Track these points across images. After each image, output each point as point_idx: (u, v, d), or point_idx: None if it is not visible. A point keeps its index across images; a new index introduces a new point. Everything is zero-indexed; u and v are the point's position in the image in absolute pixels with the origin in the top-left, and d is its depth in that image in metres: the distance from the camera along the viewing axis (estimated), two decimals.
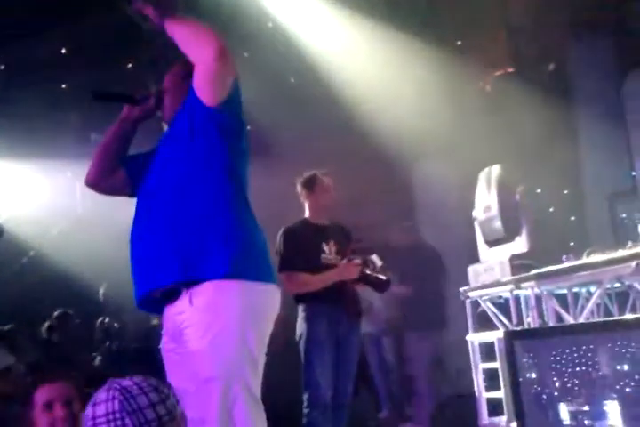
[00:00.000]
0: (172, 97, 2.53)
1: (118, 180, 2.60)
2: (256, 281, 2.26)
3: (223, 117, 2.36)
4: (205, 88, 2.34)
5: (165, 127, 2.61)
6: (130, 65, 7.39)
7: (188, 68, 2.52)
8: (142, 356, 5.86)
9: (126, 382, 2.15)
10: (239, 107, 2.44)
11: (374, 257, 4.19)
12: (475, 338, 4.65)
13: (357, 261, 4.16)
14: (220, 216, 2.29)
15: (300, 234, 4.26)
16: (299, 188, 4.43)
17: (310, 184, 4.40)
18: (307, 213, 4.40)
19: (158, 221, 2.34)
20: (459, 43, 7.46)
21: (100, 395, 2.14)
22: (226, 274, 2.21)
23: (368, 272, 4.15)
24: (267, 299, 2.31)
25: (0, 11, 6.31)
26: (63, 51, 7.77)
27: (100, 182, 2.61)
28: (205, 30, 2.37)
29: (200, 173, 2.34)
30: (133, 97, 2.59)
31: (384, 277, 4.17)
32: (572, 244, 5.79)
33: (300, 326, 4.13)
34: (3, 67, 7.24)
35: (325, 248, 4.21)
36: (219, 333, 2.19)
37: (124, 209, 2.65)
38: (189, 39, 2.38)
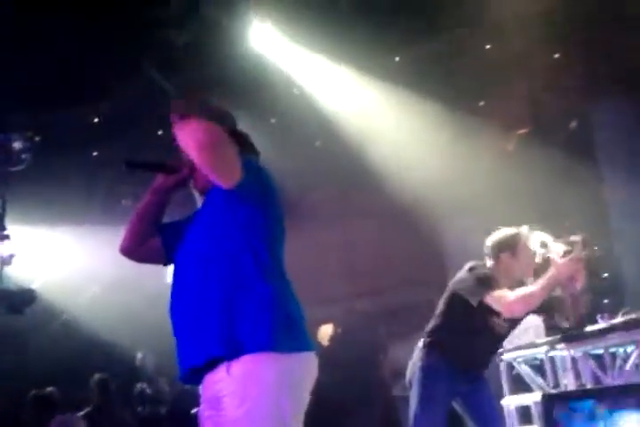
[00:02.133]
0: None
1: (153, 248, 2.60)
2: (292, 352, 2.28)
3: (248, 193, 2.37)
4: (212, 177, 2.34)
5: (196, 195, 2.62)
6: (160, 132, 7.57)
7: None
8: (175, 421, 5.85)
9: None
10: (261, 177, 2.45)
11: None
12: (511, 402, 4.57)
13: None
14: (258, 289, 2.32)
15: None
16: (491, 250, 3.81)
17: (512, 245, 3.77)
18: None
19: (197, 295, 2.36)
20: (480, 104, 7.57)
21: None
22: (264, 347, 2.24)
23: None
24: (303, 368, 2.32)
25: (35, 83, 6.55)
26: (95, 120, 8.00)
27: (135, 251, 2.62)
28: (195, 126, 2.37)
29: (237, 245, 2.37)
30: (167, 166, 2.56)
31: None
32: (605, 301, 5.73)
33: None
34: (38, 138, 7.43)
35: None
36: (254, 403, 2.20)
37: (154, 274, 2.66)
38: (184, 141, 2.39)
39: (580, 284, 3.71)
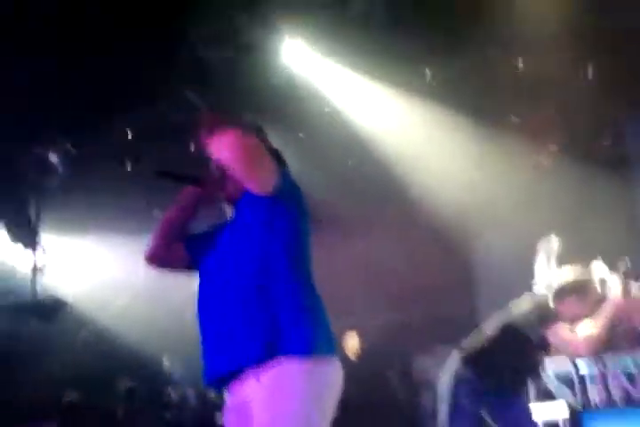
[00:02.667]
0: (234, 177, 2.53)
1: (177, 257, 2.65)
2: (320, 360, 2.29)
3: (283, 199, 2.41)
4: (250, 184, 2.39)
5: (226, 207, 2.67)
6: (193, 148, 7.65)
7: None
8: None
9: None
10: (295, 188, 2.50)
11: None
12: (537, 412, 4.46)
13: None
14: (288, 300, 2.34)
15: None
16: (558, 292, 3.79)
17: (581, 290, 3.79)
18: None
19: (229, 305, 2.38)
20: (513, 120, 7.54)
21: None
22: (293, 355, 2.26)
23: None
24: (332, 372, 2.34)
25: (69, 98, 6.67)
26: (129, 135, 8.12)
27: (160, 259, 2.67)
28: (230, 137, 2.42)
29: (273, 254, 2.39)
30: (197, 178, 2.60)
31: None
32: None
33: None
34: (74, 151, 7.58)
35: None
36: (282, 409, 2.21)
37: (182, 284, 2.70)
38: (220, 148, 2.45)
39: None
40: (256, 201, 2.42)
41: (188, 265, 2.64)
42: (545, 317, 3.64)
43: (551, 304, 3.71)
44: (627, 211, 6.70)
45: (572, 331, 3.61)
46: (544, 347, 3.71)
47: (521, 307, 3.72)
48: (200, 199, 2.66)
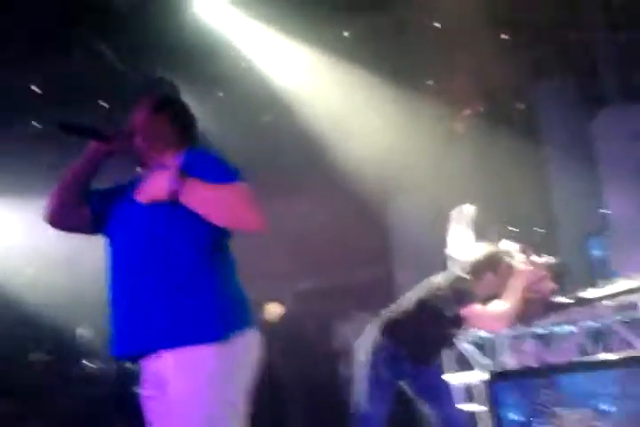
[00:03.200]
0: (144, 136, 2.50)
1: (80, 217, 2.53)
2: (233, 335, 2.27)
3: None
4: (248, 230, 2.35)
5: (139, 161, 2.56)
6: (104, 104, 7.38)
7: (156, 106, 2.56)
8: (117, 401, 5.79)
9: None
10: None
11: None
12: (453, 379, 4.62)
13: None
14: (202, 279, 2.30)
15: None
16: (472, 267, 3.89)
17: (495, 265, 3.91)
18: None
19: (142, 283, 2.32)
20: (429, 82, 7.58)
21: None
22: (205, 339, 2.23)
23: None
24: (245, 348, 2.33)
25: None
26: (37, 90, 7.75)
27: (61, 219, 2.54)
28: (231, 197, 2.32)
29: (181, 236, 2.34)
30: (103, 133, 2.48)
31: None
32: None
33: None
34: None
35: None
36: (194, 384, 2.21)
37: (98, 248, 2.59)
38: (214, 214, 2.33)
39: (547, 288, 3.93)
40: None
41: (92, 225, 2.54)
42: (461, 297, 3.74)
43: (466, 284, 3.80)
44: (538, 179, 6.89)
45: (484, 308, 3.73)
46: (459, 322, 3.84)
47: (438, 286, 3.82)
48: (105, 156, 2.52)
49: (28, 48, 6.68)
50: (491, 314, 3.73)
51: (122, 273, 2.38)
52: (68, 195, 2.50)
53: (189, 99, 7.82)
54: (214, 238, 2.37)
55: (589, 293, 4.02)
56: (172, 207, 2.31)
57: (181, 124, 2.60)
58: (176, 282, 2.28)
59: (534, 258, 3.97)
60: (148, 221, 2.37)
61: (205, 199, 2.28)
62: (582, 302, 3.94)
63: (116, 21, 6.67)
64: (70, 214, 2.52)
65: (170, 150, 2.51)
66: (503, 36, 7.16)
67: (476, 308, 3.74)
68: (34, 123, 8.07)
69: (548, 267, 4.00)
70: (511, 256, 3.91)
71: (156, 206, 2.35)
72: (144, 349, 2.30)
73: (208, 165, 2.36)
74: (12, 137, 8.08)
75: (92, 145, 2.51)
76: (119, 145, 2.50)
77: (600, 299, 3.90)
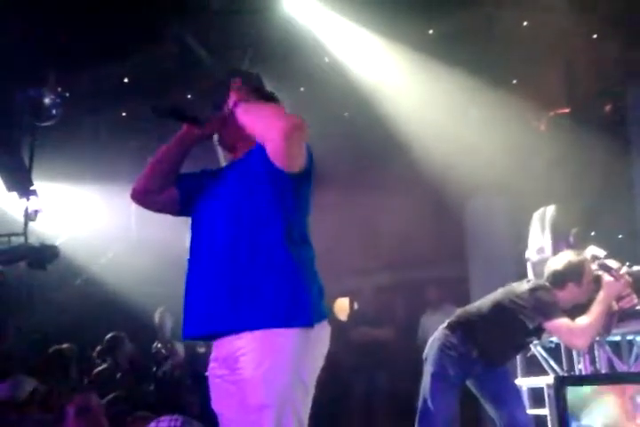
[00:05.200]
0: (236, 125, 2.46)
1: (168, 198, 2.56)
2: (310, 324, 2.30)
3: (301, 175, 2.39)
4: (278, 162, 2.34)
5: (220, 149, 2.62)
6: (189, 96, 7.55)
7: (251, 85, 2.58)
8: (189, 384, 5.94)
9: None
10: (311, 159, 2.46)
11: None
12: (523, 383, 4.58)
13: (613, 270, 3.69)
14: (283, 261, 2.32)
15: None
16: (556, 277, 3.75)
17: (579, 274, 3.74)
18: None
19: (219, 263, 2.35)
20: (514, 82, 7.46)
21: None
22: (283, 323, 2.26)
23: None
24: (319, 338, 2.36)
25: (65, 41, 6.55)
26: (125, 80, 8.00)
27: (148, 197, 2.57)
28: (272, 110, 2.43)
29: (272, 215, 2.37)
30: (197, 117, 2.49)
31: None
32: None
33: None
34: (68, 94, 7.47)
35: None
36: (274, 362, 2.23)
37: (178, 234, 2.64)
38: (256, 123, 2.40)
39: (631, 302, 3.83)
40: (268, 162, 2.35)
41: (178, 207, 2.57)
42: (543, 308, 3.62)
43: (549, 295, 3.69)
44: (624, 183, 6.69)
45: (569, 323, 3.60)
46: (539, 333, 3.76)
47: (520, 294, 3.70)
48: (196, 140, 2.56)
49: (120, 39, 6.88)
50: (575, 331, 3.59)
51: (206, 254, 2.40)
52: (157, 174, 2.53)
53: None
54: (297, 226, 2.40)
55: None
56: (255, 196, 2.36)
57: None
58: (267, 264, 2.31)
59: (618, 267, 3.82)
60: (233, 206, 2.40)
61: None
62: None
63: (207, 17, 6.83)
64: (157, 193, 2.55)
65: (248, 139, 2.49)
66: (594, 36, 6.99)
67: (560, 322, 3.60)
68: (123, 114, 8.35)
69: (634, 276, 3.87)
70: (599, 263, 3.77)
71: (240, 192, 2.40)
72: (211, 330, 2.33)
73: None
74: (99, 125, 8.38)
75: (185, 128, 2.54)
76: (211, 129, 2.54)
77: None
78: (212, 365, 2.41)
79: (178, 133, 2.56)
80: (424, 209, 7.64)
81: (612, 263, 3.80)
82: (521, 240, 4.92)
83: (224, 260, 2.34)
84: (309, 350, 2.30)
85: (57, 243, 6.94)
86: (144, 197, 2.57)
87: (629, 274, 3.86)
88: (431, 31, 7.14)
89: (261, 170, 2.37)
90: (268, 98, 2.62)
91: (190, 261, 2.46)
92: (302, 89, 7.79)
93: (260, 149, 2.38)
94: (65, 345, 5.94)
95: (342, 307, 8.87)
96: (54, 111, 7.24)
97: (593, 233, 5.41)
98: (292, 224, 2.38)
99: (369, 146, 8.04)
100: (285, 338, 2.25)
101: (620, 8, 6.44)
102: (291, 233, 2.37)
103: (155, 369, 6.23)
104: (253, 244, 2.33)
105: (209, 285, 2.34)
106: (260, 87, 2.64)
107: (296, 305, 2.29)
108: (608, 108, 7.24)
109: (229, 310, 2.29)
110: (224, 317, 2.29)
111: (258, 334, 2.25)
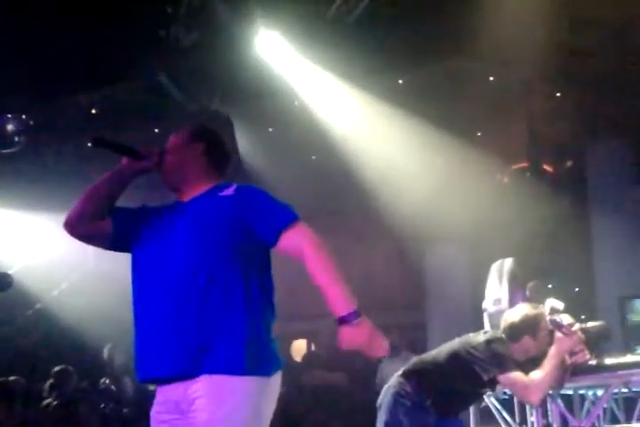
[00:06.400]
0: (175, 159, 2.51)
1: (100, 228, 2.49)
2: (270, 375, 2.31)
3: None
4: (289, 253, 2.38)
5: (166, 185, 2.57)
6: (156, 130, 7.56)
7: (194, 134, 2.58)
8: (136, 422, 5.79)
9: None
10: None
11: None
12: None
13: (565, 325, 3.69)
14: (240, 315, 2.31)
15: None
16: (512, 330, 3.73)
17: (534, 328, 3.73)
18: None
19: (179, 307, 2.31)
20: (479, 134, 7.62)
21: None
22: (244, 371, 2.25)
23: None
24: (276, 383, 2.35)
25: (37, 69, 6.53)
26: (93, 111, 7.97)
27: (80, 226, 2.48)
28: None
29: (233, 269, 2.35)
30: (135, 151, 2.50)
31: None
32: None
33: None
34: (32, 122, 7.42)
35: None
36: (234, 406, 2.21)
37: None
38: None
39: (583, 358, 3.80)
40: (226, 202, 2.39)
41: (110, 240, 2.51)
42: (498, 361, 3.62)
43: (505, 347, 3.71)
44: (583, 237, 6.84)
45: (522, 378, 3.60)
46: (493, 385, 3.77)
47: (476, 345, 3.72)
48: (135, 173, 2.53)
49: (92, 70, 6.89)
50: (529, 386, 3.58)
51: (161, 296, 2.35)
52: (92, 204, 2.49)
53: (242, 133, 8.03)
54: (260, 271, 2.41)
55: (624, 358, 3.95)
56: (221, 243, 2.35)
57: (214, 157, 2.60)
58: (217, 308, 2.29)
59: (571, 323, 3.86)
60: (194, 249, 2.37)
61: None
62: (615, 368, 3.86)
63: (178, 54, 6.87)
64: (89, 223, 2.48)
65: (197, 180, 2.53)
66: (557, 94, 7.20)
67: (514, 376, 3.59)
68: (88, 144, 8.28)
69: (587, 332, 3.91)
70: (550, 320, 3.80)
71: (202, 238, 2.37)
72: (172, 373, 2.28)
73: (265, 206, 2.41)
74: (62, 154, 8.30)
75: (125, 161, 2.53)
76: (149, 164, 2.52)
77: (634, 365, 3.82)
78: (157, 409, 2.36)
79: (117, 166, 2.54)
80: (386, 255, 7.70)
81: (567, 319, 3.84)
82: (479, 290, 4.96)
83: (186, 304, 2.31)
84: (267, 395, 2.30)
85: (10, 271, 6.78)
86: (76, 223, 2.48)
87: (583, 330, 3.90)
88: (401, 81, 7.27)
89: (238, 239, 2.37)
90: (218, 164, 2.60)
91: (140, 302, 2.42)
92: (271, 130, 7.85)
93: (229, 212, 2.38)
94: (11, 378, 5.77)
95: (299, 348, 8.80)
96: (17, 138, 7.18)
97: (550, 286, 5.51)
98: (257, 279, 2.38)
99: (334, 190, 8.10)
100: (246, 383, 2.24)
101: (583, 66, 6.63)
102: (255, 286, 2.37)
103: (102, 406, 6.07)
104: (220, 291, 2.31)
105: (168, 327, 2.30)
106: (216, 152, 2.62)
107: (260, 354, 2.29)
108: (568, 163, 7.43)
109: (191, 354, 2.26)
110: (186, 360, 2.26)
111: (217, 377, 2.23)
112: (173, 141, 2.57)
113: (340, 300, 2.29)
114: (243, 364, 2.24)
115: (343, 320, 2.27)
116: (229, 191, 2.46)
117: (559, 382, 3.82)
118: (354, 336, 2.27)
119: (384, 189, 7.40)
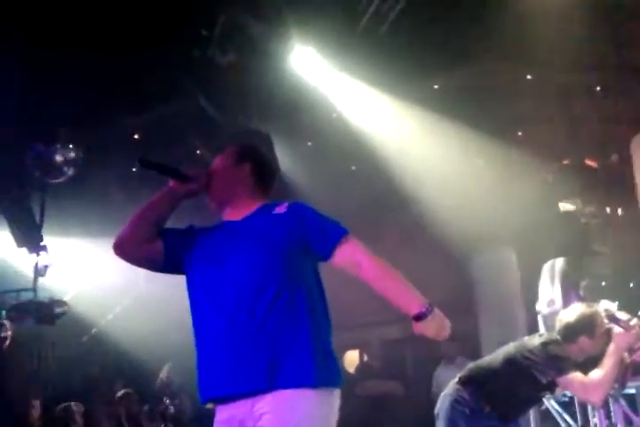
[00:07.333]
0: (223, 181, 2.55)
1: (151, 250, 2.50)
2: (330, 387, 2.34)
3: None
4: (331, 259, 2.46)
5: (213, 206, 2.59)
6: (198, 151, 7.66)
7: (240, 155, 2.61)
8: None
9: None
10: None
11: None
12: None
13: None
14: (306, 325, 2.35)
15: None
16: (568, 331, 3.70)
17: (591, 327, 3.69)
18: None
19: (241, 325, 2.33)
20: (519, 133, 7.54)
21: None
22: (306, 383, 2.28)
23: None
24: (337, 397, 2.38)
25: (75, 100, 6.66)
26: (136, 136, 8.11)
27: (130, 249, 2.50)
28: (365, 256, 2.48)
29: (295, 279, 2.40)
30: (182, 173, 2.51)
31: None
32: None
33: None
34: (81, 152, 7.57)
35: None
36: (302, 420, 2.24)
37: (184, 289, 2.62)
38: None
39: None
40: (281, 220, 2.45)
41: (162, 262, 2.52)
42: (556, 363, 3.57)
43: (561, 349, 3.64)
44: (634, 231, 6.67)
45: (582, 378, 3.54)
46: (552, 388, 3.70)
47: (532, 349, 3.65)
48: (183, 196, 2.55)
49: (134, 95, 7.00)
50: (589, 386, 3.53)
51: (224, 313, 2.36)
52: (141, 227, 2.49)
53: (281, 148, 8.09)
54: (318, 280, 2.48)
55: None
56: (283, 260, 2.40)
57: (261, 176, 2.63)
58: (284, 321, 2.33)
59: (628, 318, 3.77)
60: (259, 267, 2.40)
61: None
62: None
63: (215, 75, 6.96)
64: (139, 246, 2.49)
65: (246, 200, 2.57)
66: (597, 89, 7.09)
67: (573, 377, 3.55)
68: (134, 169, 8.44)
69: None
70: (607, 315, 3.72)
71: (266, 256, 2.41)
72: (257, 388, 2.28)
73: (318, 222, 2.48)
74: (108, 181, 8.46)
75: (171, 183, 2.54)
76: (196, 187, 2.53)
77: None
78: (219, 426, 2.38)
79: (164, 189, 2.56)
80: (432, 262, 7.64)
81: (622, 315, 3.75)
82: (530, 292, 4.89)
83: (252, 321, 2.33)
84: (332, 406, 2.34)
85: (66, 298, 6.94)
86: (126, 246, 2.49)
87: None
88: (436, 86, 7.24)
89: (297, 255, 2.42)
90: (265, 183, 2.65)
91: (201, 322, 2.44)
92: (310, 144, 7.89)
93: (285, 229, 2.43)
94: (72, 403, 5.89)
95: (352, 359, 8.79)
96: (65, 169, 7.33)
97: (603, 283, 5.40)
98: (317, 293, 2.45)
99: (376, 199, 8.09)
100: (314, 395, 2.27)
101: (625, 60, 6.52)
102: (316, 300, 2.43)
103: (163, 426, 6.15)
104: (285, 307, 2.34)
105: (235, 346, 2.32)
106: (262, 172, 2.66)
107: (327, 365, 2.34)
108: (614, 157, 7.29)
109: (263, 370, 2.28)
110: (258, 377, 2.28)
111: (288, 392, 2.26)
112: (219, 163, 2.61)
113: (411, 300, 2.40)
114: (313, 377, 2.28)
115: (419, 318, 2.37)
116: (282, 209, 2.51)
117: (620, 381, 3.74)
118: (428, 329, 2.39)
119: (426, 195, 7.37)
